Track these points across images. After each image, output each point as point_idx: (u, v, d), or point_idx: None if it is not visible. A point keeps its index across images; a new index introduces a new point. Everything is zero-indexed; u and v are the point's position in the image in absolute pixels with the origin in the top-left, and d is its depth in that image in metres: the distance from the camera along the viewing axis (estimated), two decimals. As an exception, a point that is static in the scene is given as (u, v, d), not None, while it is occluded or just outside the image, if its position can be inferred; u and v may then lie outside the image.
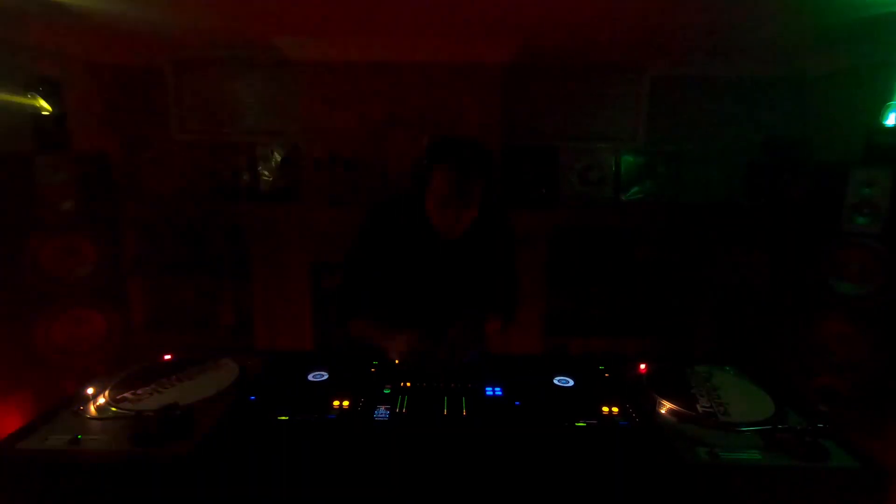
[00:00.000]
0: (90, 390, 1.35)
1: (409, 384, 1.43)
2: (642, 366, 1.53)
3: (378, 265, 1.67)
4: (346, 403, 1.32)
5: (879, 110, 2.47)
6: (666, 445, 1.18)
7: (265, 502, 1.12)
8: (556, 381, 1.46)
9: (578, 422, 1.25)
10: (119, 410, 1.28)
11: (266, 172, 3.57)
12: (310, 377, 1.47)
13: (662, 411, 1.31)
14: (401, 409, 1.31)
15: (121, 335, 2.70)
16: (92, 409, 1.29)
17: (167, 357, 1.60)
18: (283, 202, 3.45)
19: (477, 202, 1.53)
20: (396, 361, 1.55)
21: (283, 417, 1.25)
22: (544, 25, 2.71)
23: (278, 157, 3.56)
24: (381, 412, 1.29)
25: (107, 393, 1.35)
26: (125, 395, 1.36)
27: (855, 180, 2.50)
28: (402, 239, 1.65)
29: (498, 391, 1.40)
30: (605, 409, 1.31)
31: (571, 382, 1.46)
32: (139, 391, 1.38)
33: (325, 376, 1.48)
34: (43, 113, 2.43)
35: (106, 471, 1.12)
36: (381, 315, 1.70)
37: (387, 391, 1.40)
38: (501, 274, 1.78)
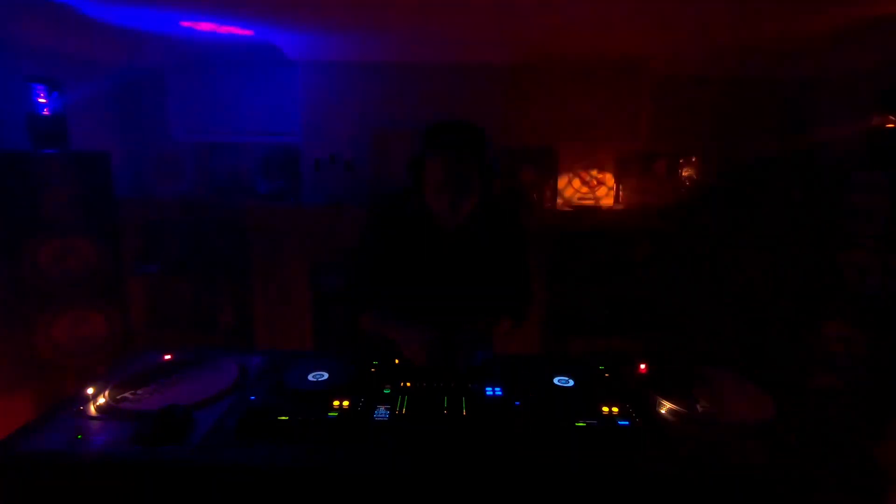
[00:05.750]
0: (90, 390, 1.35)
1: (409, 384, 1.43)
2: (642, 366, 1.53)
3: (384, 260, 1.66)
4: (346, 403, 1.32)
5: (880, 111, 2.47)
6: (666, 445, 1.18)
7: (265, 502, 1.11)
8: (556, 381, 1.46)
9: (578, 422, 1.25)
10: (119, 409, 1.28)
11: (266, 172, 3.57)
12: (310, 377, 1.47)
13: (662, 411, 1.31)
14: (401, 409, 1.31)
15: (121, 335, 2.70)
16: (92, 409, 1.29)
17: (167, 357, 1.60)
18: (283, 202, 3.45)
19: (475, 186, 1.51)
20: (408, 358, 1.53)
21: (283, 417, 1.25)
22: (545, 26, 2.71)
23: (278, 158, 3.56)
24: (381, 412, 1.29)
25: (107, 393, 1.35)
26: (125, 395, 1.35)
27: (856, 181, 2.51)
28: (405, 233, 1.64)
29: (498, 391, 1.40)
30: (605, 409, 1.31)
31: (571, 382, 1.46)
32: (139, 391, 1.38)
33: (325, 376, 1.48)
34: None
35: (106, 471, 1.12)
36: (391, 309, 1.68)
37: (387, 391, 1.40)
38: (511, 268, 1.72)
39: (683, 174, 3.53)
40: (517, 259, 1.73)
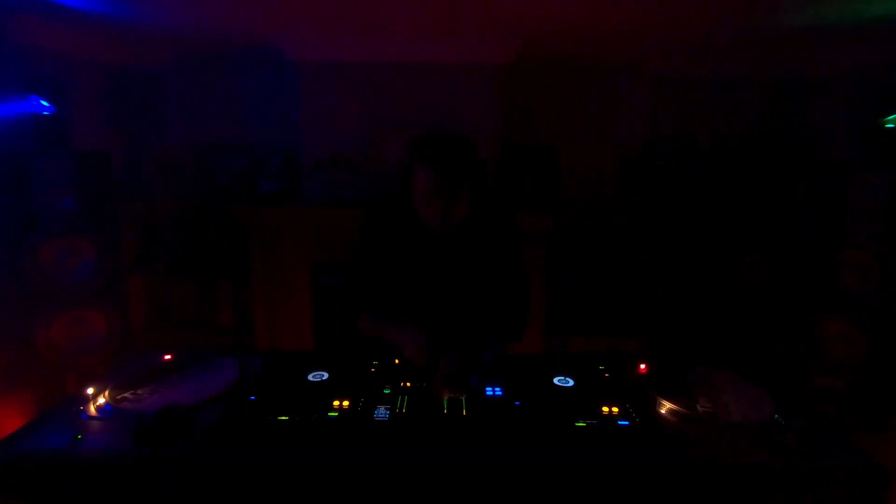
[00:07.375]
0: (90, 390, 1.35)
1: (409, 384, 1.43)
2: (642, 366, 1.53)
3: (380, 266, 1.67)
4: (346, 403, 1.32)
5: (880, 111, 2.47)
6: (666, 445, 1.18)
7: (265, 502, 1.11)
8: (556, 381, 1.46)
9: (578, 422, 1.25)
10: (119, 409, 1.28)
11: (266, 172, 3.57)
12: (310, 377, 1.47)
13: (662, 411, 1.31)
14: (401, 409, 1.31)
15: (121, 335, 2.70)
16: (92, 409, 1.29)
17: (167, 357, 1.60)
18: (283, 202, 3.45)
19: (464, 198, 1.51)
20: (409, 358, 1.52)
21: (283, 417, 1.26)
22: (544, 25, 2.71)
23: (278, 158, 3.55)
24: (381, 412, 1.29)
25: (107, 393, 1.35)
26: (125, 395, 1.35)
27: (856, 181, 2.50)
28: (399, 238, 1.64)
29: (498, 391, 1.40)
30: (605, 409, 1.31)
31: (571, 382, 1.46)
32: (139, 391, 1.38)
33: (325, 376, 1.48)
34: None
35: (106, 471, 1.12)
36: (388, 312, 1.69)
37: (387, 391, 1.40)
38: (506, 278, 1.70)
39: (682, 174, 3.52)
40: (513, 267, 1.71)
